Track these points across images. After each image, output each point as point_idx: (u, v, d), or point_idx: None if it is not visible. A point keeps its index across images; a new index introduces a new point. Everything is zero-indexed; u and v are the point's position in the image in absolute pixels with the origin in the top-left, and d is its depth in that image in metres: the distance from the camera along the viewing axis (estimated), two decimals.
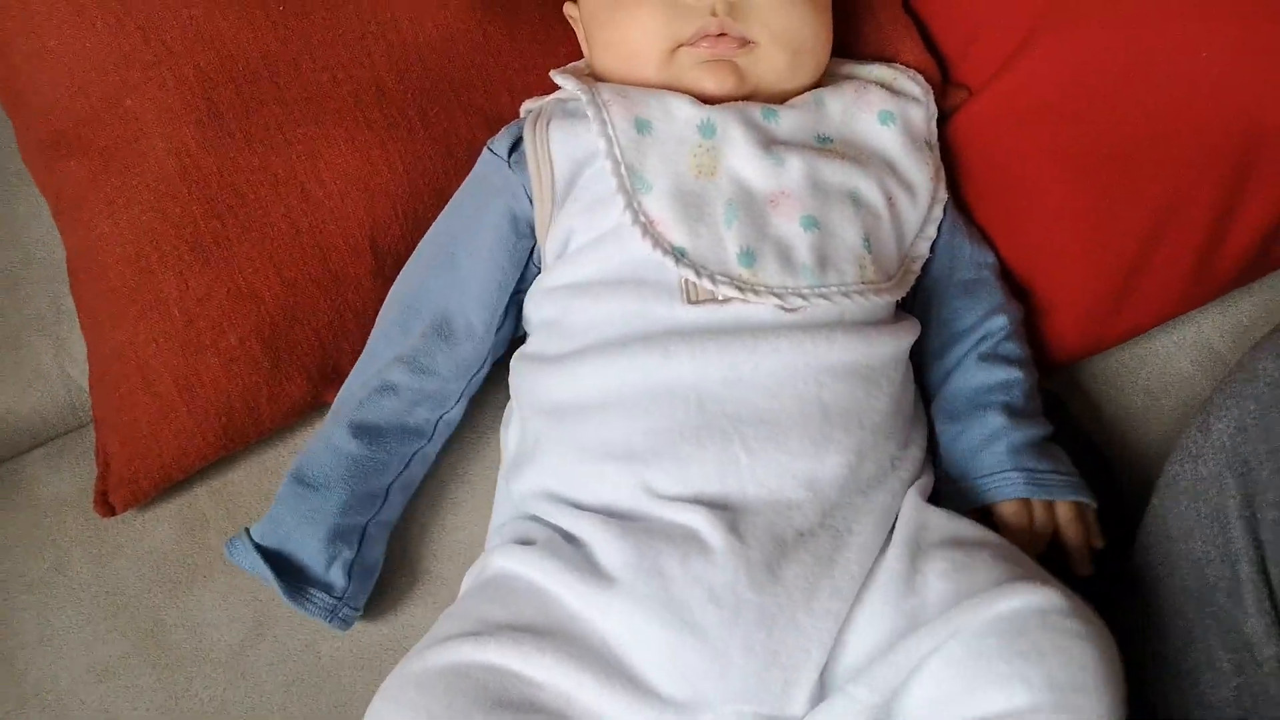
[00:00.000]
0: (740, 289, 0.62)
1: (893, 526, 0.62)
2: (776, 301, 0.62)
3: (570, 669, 0.56)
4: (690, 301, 0.63)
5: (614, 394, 0.62)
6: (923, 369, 0.72)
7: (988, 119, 0.77)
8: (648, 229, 0.63)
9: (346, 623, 0.68)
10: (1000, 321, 0.72)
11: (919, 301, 0.72)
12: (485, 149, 0.71)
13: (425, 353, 0.69)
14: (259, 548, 0.67)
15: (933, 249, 0.71)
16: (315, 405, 0.77)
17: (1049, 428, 0.70)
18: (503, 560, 0.62)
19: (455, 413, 0.72)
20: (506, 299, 0.70)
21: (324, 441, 0.69)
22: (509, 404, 0.71)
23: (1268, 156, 0.72)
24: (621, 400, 0.62)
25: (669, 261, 0.63)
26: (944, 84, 0.78)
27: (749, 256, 0.63)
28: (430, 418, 0.70)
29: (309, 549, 0.67)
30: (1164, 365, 0.81)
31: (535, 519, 0.64)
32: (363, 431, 0.68)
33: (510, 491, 0.68)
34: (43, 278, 0.83)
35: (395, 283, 0.72)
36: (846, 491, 0.61)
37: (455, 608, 0.62)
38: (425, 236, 0.72)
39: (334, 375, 0.76)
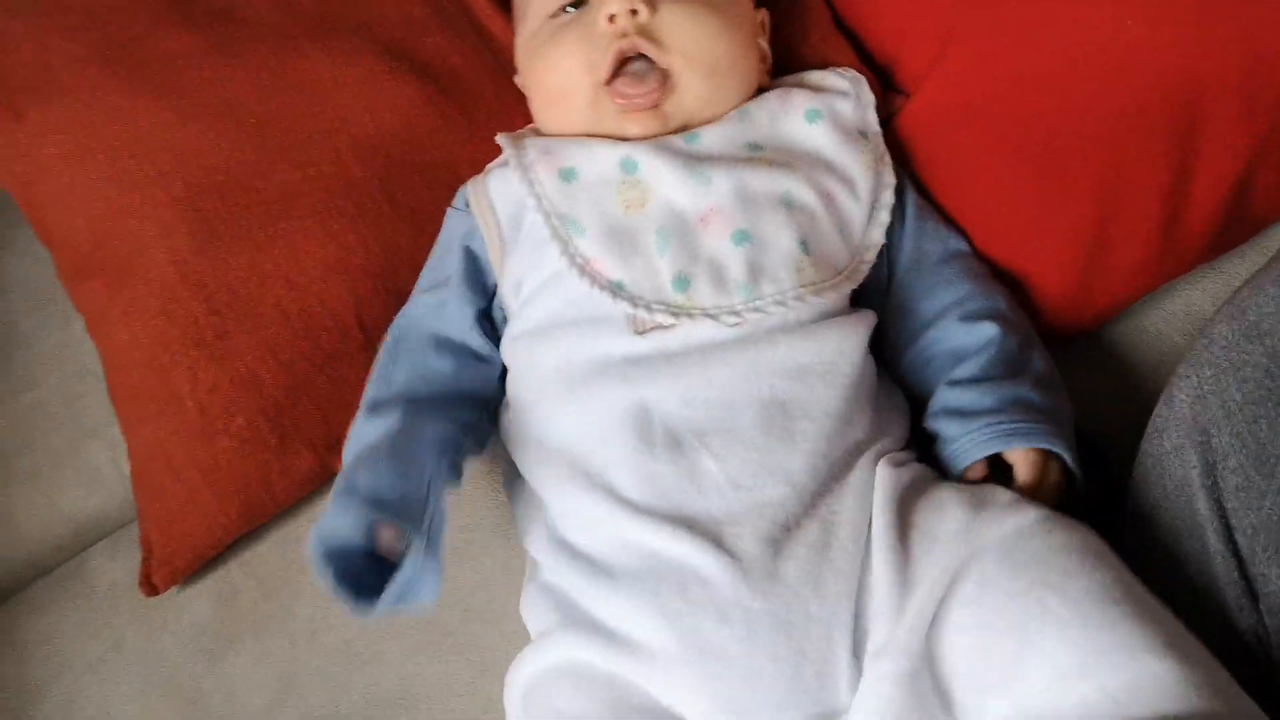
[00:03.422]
0: (676, 315, 0.65)
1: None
2: (712, 322, 0.65)
3: None
4: (637, 332, 0.65)
5: (586, 425, 0.65)
6: (898, 354, 0.72)
7: (924, 121, 0.78)
8: (584, 269, 0.67)
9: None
10: (975, 297, 0.72)
11: (892, 291, 0.73)
12: (448, 209, 0.77)
13: (425, 364, 0.72)
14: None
15: (893, 237, 0.72)
16: (325, 476, 0.83)
17: (1029, 383, 0.69)
18: (532, 662, 0.62)
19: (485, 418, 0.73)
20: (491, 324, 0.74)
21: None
22: (505, 464, 0.74)
23: (1212, 110, 0.71)
24: (594, 430, 0.65)
25: (607, 297, 0.66)
26: (885, 92, 0.80)
27: (683, 282, 0.66)
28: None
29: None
30: (1155, 342, 0.78)
31: (547, 589, 0.65)
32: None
33: (523, 540, 0.70)
34: (96, 389, 0.92)
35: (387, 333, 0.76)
36: (822, 478, 0.63)
37: None
38: (413, 293, 0.77)
39: (338, 446, 0.81)
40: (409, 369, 0.72)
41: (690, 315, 0.65)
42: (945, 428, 0.67)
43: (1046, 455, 0.66)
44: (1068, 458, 0.66)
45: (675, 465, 0.62)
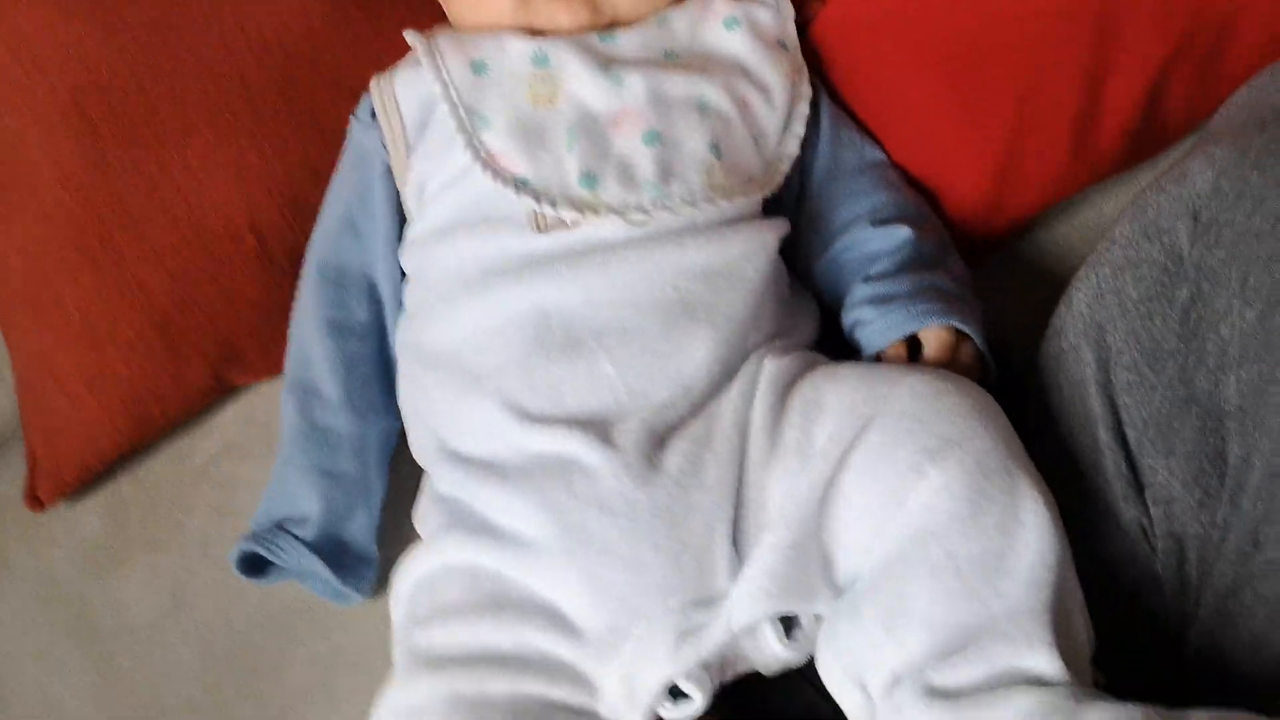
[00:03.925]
0: (581, 210, 0.63)
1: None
2: (619, 219, 0.63)
3: (516, 625, 0.57)
4: (540, 230, 0.64)
5: (480, 328, 0.64)
6: (811, 263, 0.72)
7: (840, 28, 0.76)
8: (488, 163, 0.65)
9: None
10: (889, 204, 0.71)
11: (806, 201, 0.72)
12: (350, 118, 0.74)
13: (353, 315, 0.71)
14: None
15: (809, 148, 0.71)
16: (220, 389, 0.80)
17: (942, 275, 0.69)
18: (418, 564, 0.62)
19: None
20: None
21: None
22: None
23: (1127, 17, 0.70)
24: (488, 333, 0.63)
25: (510, 192, 0.64)
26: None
27: (590, 179, 0.64)
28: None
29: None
30: (1066, 255, 0.78)
31: (439, 499, 0.65)
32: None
33: (413, 451, 0.70)
34: None
35: (306, 260, 0.74)
36: (715, 381, 0.62)
37: (398, 633, 0.62)
38: (321, 211, 0.74)
39: (232, 357, 0.80)
40: (335, 341, 0.71)
41: (596, 212, 0.63)
42: (861, 315, 0.67)
43: (959, 337, 0.66)
44: (978, 339, 0.66)
45: (572, 368, 0.61)
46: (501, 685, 0.55)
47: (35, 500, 0.79)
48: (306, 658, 0.73)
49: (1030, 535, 0.54)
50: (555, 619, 0.57)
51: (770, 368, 0.62)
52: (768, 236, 0.67)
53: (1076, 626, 0.54)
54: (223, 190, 0.77)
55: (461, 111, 0.66)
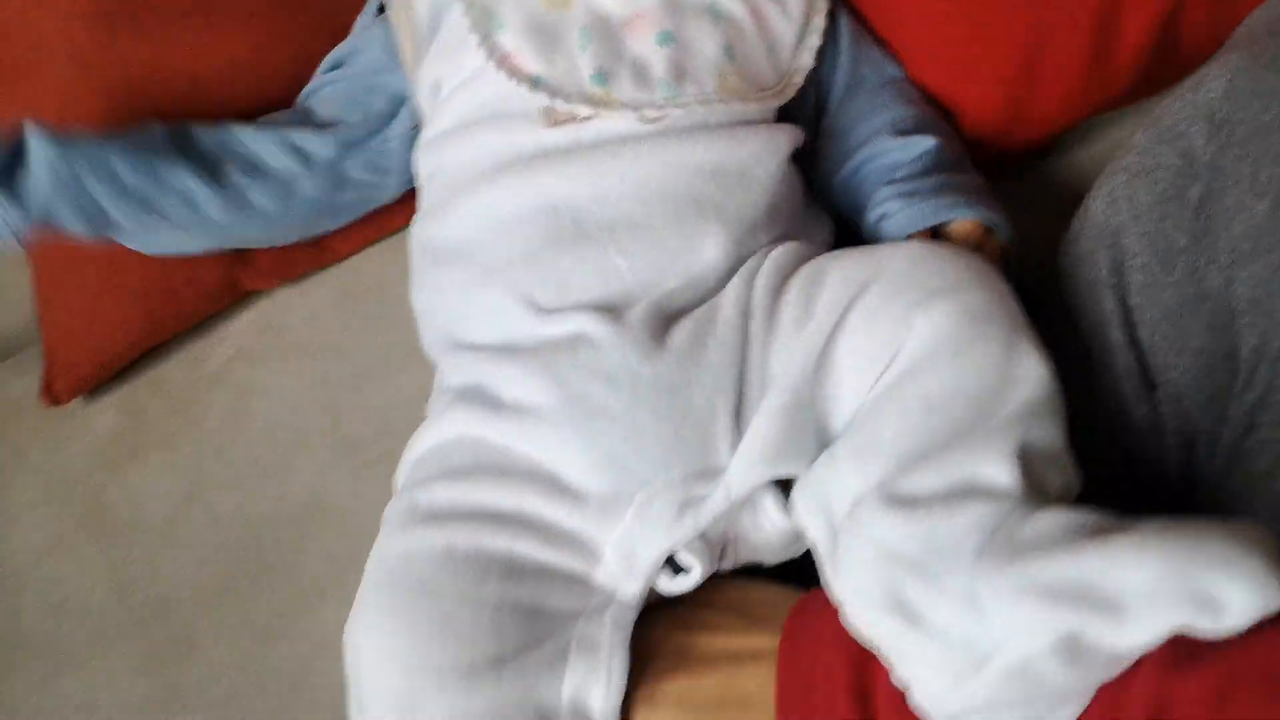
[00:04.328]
0: (594, 105, 0.64)
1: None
2: (633, 114, 0.63)
3: (518, 489, 0.57)
4: (553, 124, 0.64)
5: (490, 221, 0.64)
6: (831, 176, 0.72)
7: None
8: (503, 62, 0.65)
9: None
10: (910, 117, 0.72)
11: (826, 116, 0.73)
12: (363, 11, 0.75)
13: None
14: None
15: (826, 61, 0.71)
16: (232, 293, 0.81)
17: (966, 179, 0.69)
18: (425, 438, 0.63)
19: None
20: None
21: None
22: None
23: None
24: (498, 226, 0.64)
25: (524, 89, 0.64)
26: None
27: (603, 77, 0.64)
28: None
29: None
30: (1081, 182, 0.78)
31: (448, 389, 0.66)
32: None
33: (426, 351, 0.70)
34: None
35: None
36: (723, 279, 0.63)
37: (397, 497, 0.62)
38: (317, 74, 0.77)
39: (244, 258, 0.80)
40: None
41: (609, 106, 0.63)
42: (887, 209, 0.67)
43: (985, 233, 0.66)
44: (1005, 234, 0.66)
45: (581, 260, 0.61)
46: (499, 542, 0.56)
47: (52, 395, 0.79)
48: (320, 553, 0.73)
49: (1021, 386, 0.53)
50: (558, 486, 0.57)
51: (775, 253, 0.63)
52: (780, 141, 0.67)
53: (1052, 470, 0.53)
54: (237, 84, 0.78)
55: (476, 11, 0.67)
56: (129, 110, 0.76)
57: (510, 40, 0.66)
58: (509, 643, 0.53)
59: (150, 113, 0.75)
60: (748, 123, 0.66)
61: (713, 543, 0.58)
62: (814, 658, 0.53)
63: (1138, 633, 0.43)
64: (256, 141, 0.72)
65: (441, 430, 0.61)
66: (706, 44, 0.66)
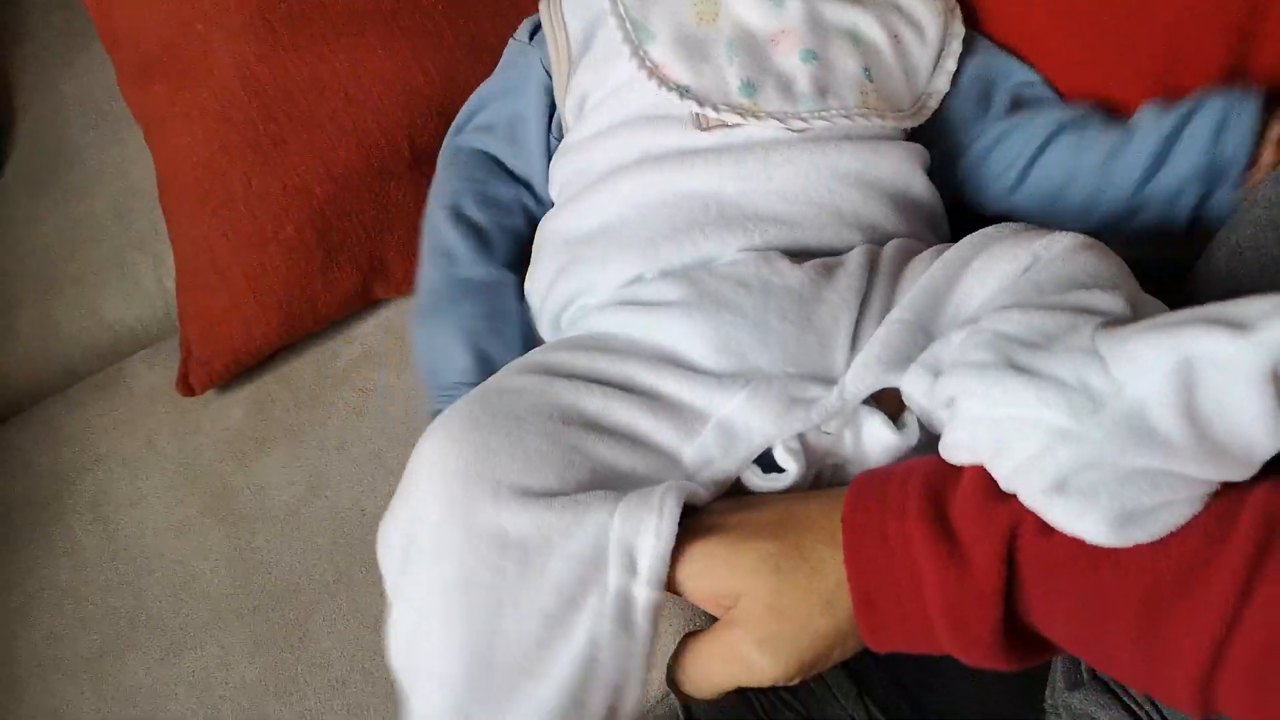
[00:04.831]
0: (743, 115, 0.66)
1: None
2: (778, 124, 0.66)
3: (632, 364, 0.58)
4: (702, 129, 0.67)
5: (636, 202, 0.66)
6: (981, 193, 0.74)
7: None
8: (653, 72, 0.68)
9: None
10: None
11: (960, 129, 0.74)
12: (510, 41, 0.77)
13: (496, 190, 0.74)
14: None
15: (960, 83, 0.73)
16: (364, 299, 0.84)
17: None
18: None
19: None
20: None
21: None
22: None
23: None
24: (644, 206, 0.65)
25: (674, 97, 0.67)
26: None
27: (750, 88, 0.67)
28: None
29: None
30: None
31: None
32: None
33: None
34: (145, 207, 0.94)
35: (445, 148, 0.76)
36: None
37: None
38: (466, 110, 0.77)
39: (380, 268, 0.83)
40: (479, 211, 0.73)
41: (756, 116, 0.66)
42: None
43: None
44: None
45: (723, 243, 0.63)
46: (594, 399, 0.57)
47: (187, 386, 0.83)
48: None
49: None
50: (676, 361, 0.59)
51: (901, 241, 0.65)
52: (916, 159, 0.69)
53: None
54: (386, 101, 0.81)
55: (628, 24, 0.70)
56: (287, 118, 0.80)
57: (659, 52, 0.68)
58: (571, 481, 0.54)
59: (303, 124, 0.80)
60: (887, 138, 0.69)
61: (812, 450, 0.58)
62: (884, 482, 0.52)
63: (1262, 342, 0.43)
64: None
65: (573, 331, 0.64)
66: (848, 63, 0.68)
